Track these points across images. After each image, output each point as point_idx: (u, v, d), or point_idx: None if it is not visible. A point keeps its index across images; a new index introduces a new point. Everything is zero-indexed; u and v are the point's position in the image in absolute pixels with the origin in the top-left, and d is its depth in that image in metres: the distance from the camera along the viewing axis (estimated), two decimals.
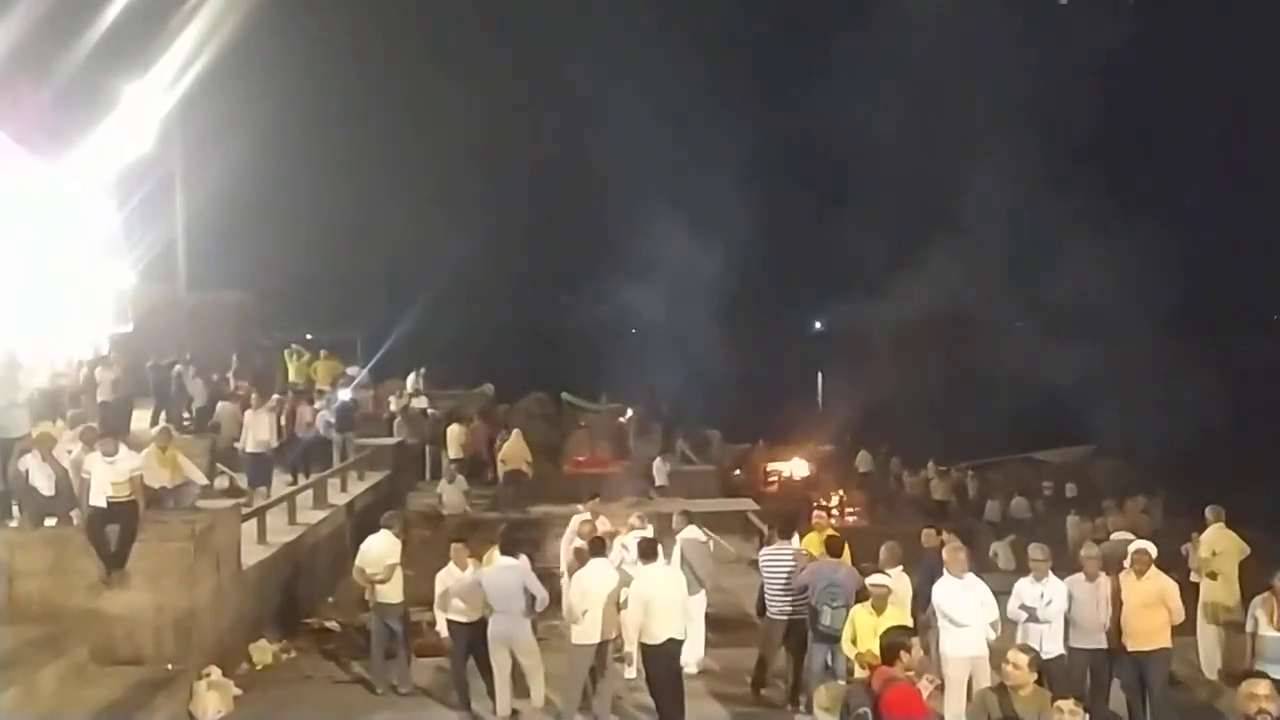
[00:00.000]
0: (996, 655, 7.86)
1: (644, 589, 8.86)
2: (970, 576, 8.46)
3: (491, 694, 9.36)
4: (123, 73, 24.80)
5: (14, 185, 22.11)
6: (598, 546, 9.52)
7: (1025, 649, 6.50)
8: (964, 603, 8.27)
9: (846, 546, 9.89)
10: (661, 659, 8.90)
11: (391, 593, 10.13)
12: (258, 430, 15.04)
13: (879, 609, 8.02)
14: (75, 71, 23.44)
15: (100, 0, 22.67)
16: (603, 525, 10.95)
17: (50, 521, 9.79)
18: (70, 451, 10.16)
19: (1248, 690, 5.07)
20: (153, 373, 19.14)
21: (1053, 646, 8.32)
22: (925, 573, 9.51)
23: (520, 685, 9.32)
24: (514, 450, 20.02)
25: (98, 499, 9.40)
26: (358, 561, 10.34)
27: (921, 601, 8.98)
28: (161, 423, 15.89)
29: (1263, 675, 5.34)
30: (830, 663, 8.91)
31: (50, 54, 23.49)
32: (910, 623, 7.96)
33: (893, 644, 5.55)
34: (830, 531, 10.81)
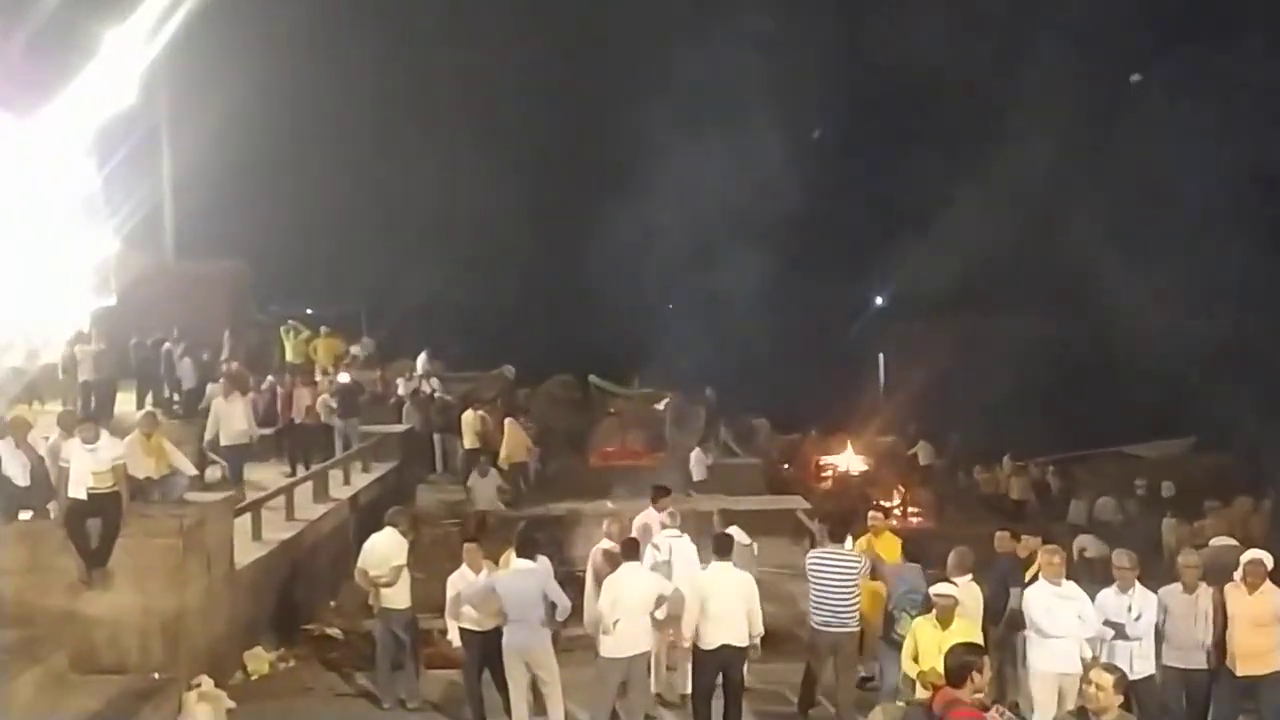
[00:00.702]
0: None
1: (704, 586, 9.00)
2: (1070, 585, 8.45)
3: (507, 710, 9.42)
4: (102, 17, 25.11)
5: None
6: (630, 549, 9.54)
7: (1110, 668, 6.42)
8: (1059, 613, 8.27)
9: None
10: (711, 667, 8.99)
11: (398, 597, 10.24)
12: (232, 419, 14.89)
13: (945, 622, 7.98)
14: (49, 16, 23.74)
15: None
16: (652, 518, 10.94)
17: (25, 515, 9.98)
18: (47, 438, 10.36)
19: None
20: (137, 351, 19.41)
21: (1143, 666, 8.26)
22: (998, 581, 9.47)
23: (538, 702, 9.38)
24: (514, 439, 20.17)
25: (77, 490, 9.54)
26: (360, 563, 10.45)
27: (993, 614, 8.93)
28: (147, 406, 16.10)
29: None
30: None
31: None
32: (980, 639, 7.94)
33: (961, 664, 5.52)
34: (887, 534, 10.89)
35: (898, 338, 44.65)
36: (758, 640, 9.19)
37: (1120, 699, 6.25)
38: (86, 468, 9.55)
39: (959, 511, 22.73)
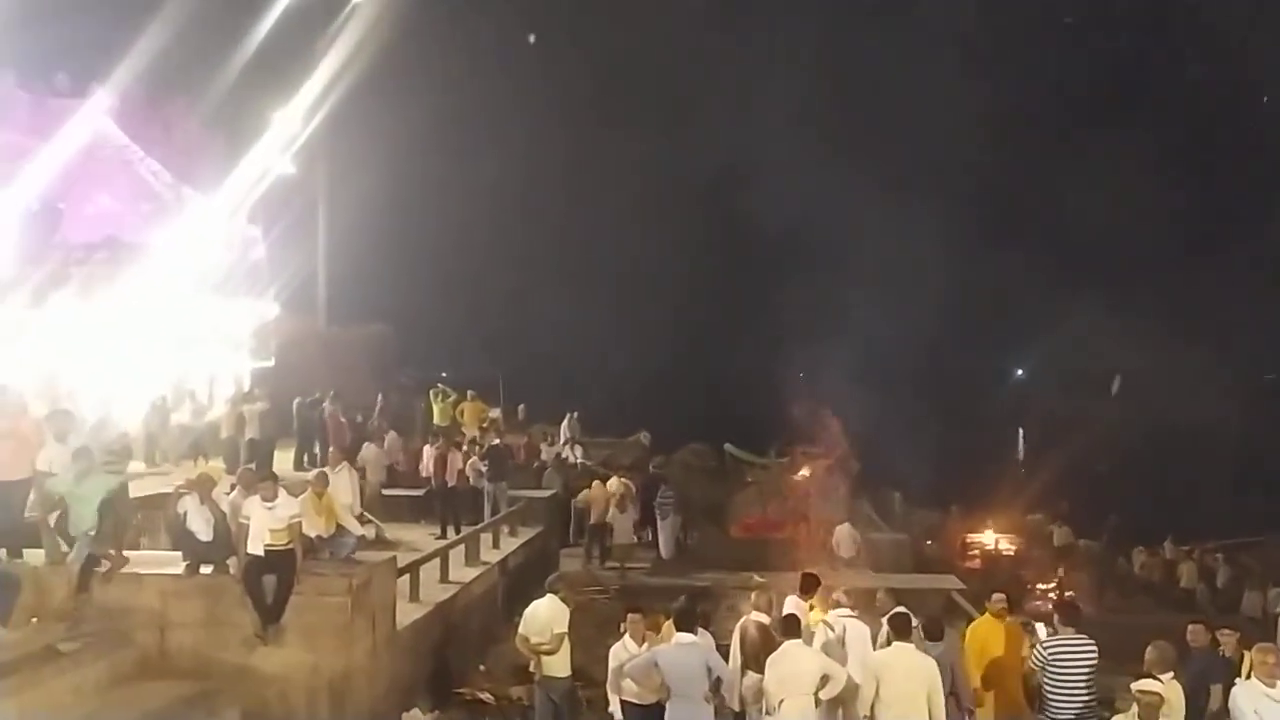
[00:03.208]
0: None
1: (879, 667, 8.75)
2: None
3: None
4: (270, 98, 26.65)
5: (163, 211, 23.96)
6: (792, 626, 9.27)
7: None
8: (1269, 714, 7.73)
9: None
10: None
11: (559, 665, 10.15)
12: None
13: None
14: (224, 97, 25.32)
15: (250, 25, 24.50)
16: (800, 606, 10.59)
17: (206, 569, 10.30)
18: (227, 493, 10.72)
19: None
20: (300, 411, 20.03)
21: None
22: (1196, 679, 8.86)
23: None
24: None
25: (255, 547, 9.84)
26: (521, 629, 10.40)
27: (1193, 715, 8.35)
28: (306, 464, 16.54)
29: None
30: None
31: (200, 78, 25.48)
32: None
33: None
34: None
35: (1040, 411, 43.22)
36: None
37: None
38: (265, 525, 9.83)
39: (1121, 598, 21.57)
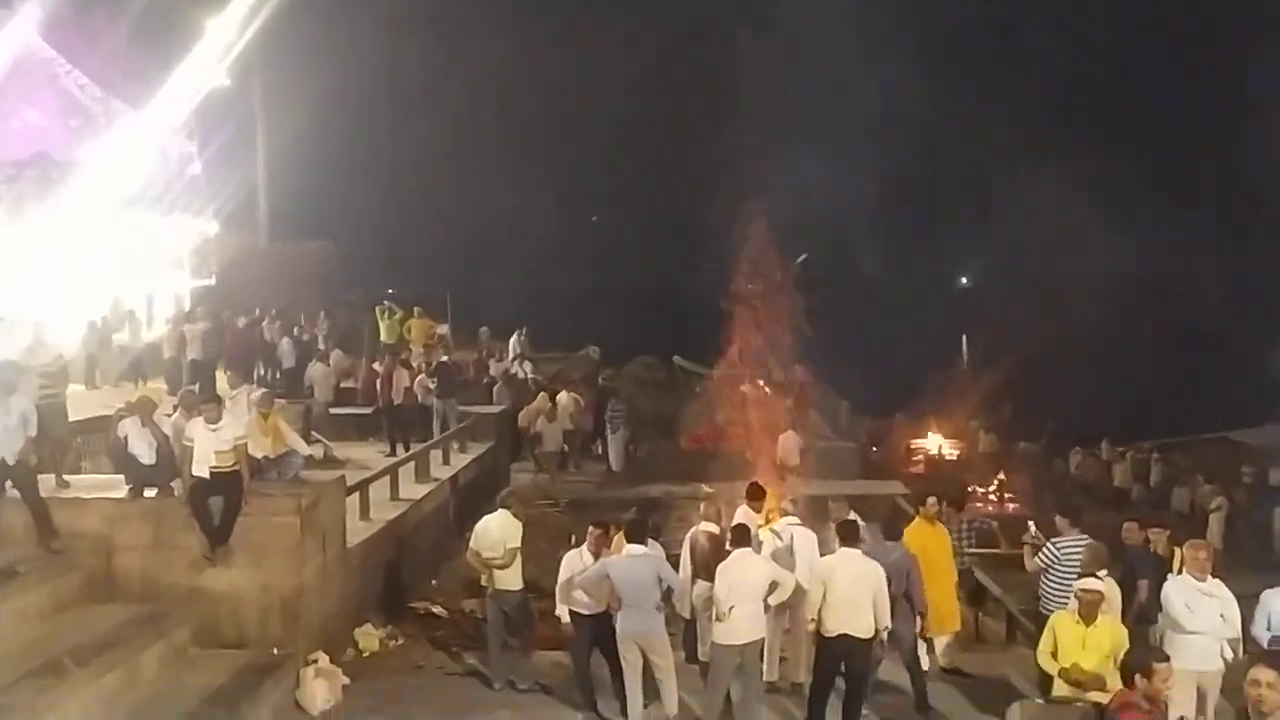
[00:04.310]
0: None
1: (826, 572, 8.89)
2: (1215, 582, 8.13)
3: (619, 694, 9.33)
4: (203, 6, 25.59)
5: (93, 126, 23.08)
6: (742, 535, 9.35)
7: (1272, 665, 6.11)
8: (1199, 608, 7.97)
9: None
10: (832, 656, 8.84)
11: (511, 579, 10.18)
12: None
13: (1089, 618, 7.66)
14: (154, 5, 24.27)
15: None
16: (749, 516, 10.67)
17: (150, 492, 10.13)
18: (169, 415, 10.50)
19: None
20: (244, 331, 19.71)
21: None
22: (1130, 576, 9.12)
23: (651, 688, 9.25)
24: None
25: (200, 469, 9.66)
26: (473, 544, 10.38)
27: (1132, 611, 8.61)
28: (254, 385, 16.28)
29: None
30: None
31: None
32: (1125, 635, 7.64)
33: (1133, 665, 5.28)
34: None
35: (983, 318, 43.66)
36: (885, 634, 8.94)
37: None
38: (209, 447, 9.65)
39: (1058, 499, 22.13)
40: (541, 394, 20.74)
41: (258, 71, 28.96)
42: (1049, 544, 9.59)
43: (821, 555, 9.64)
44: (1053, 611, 8.53)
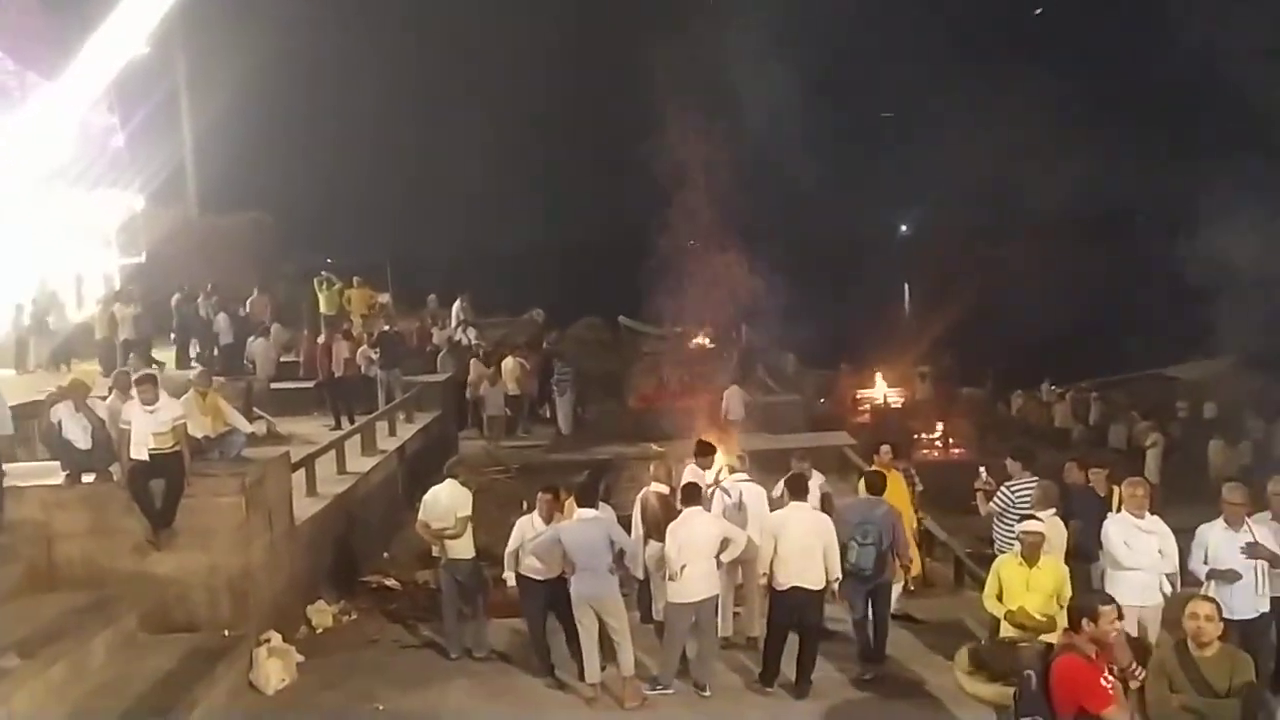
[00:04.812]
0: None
1: (777, 526, 8.95)
2: (1153, 519, 8.32)
3: (575, 657, 9.39)
4: None
5: (7, 100, 22.31)
6: (691, 494, 9.41)
7: (1208, 598, 6.32)
8: (1138, 545, 8.16)
9: None
10: (785, 609, 8.94)
11: (463, 548, 10.14)
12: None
13: (1031, 560, 7.82)
14: None
15: None
16: (698, 474, 10.70)
17: (88, 478, 9.93)
18: (104, 398, 10.28)
19: None
20: (180, 308, 19.34)
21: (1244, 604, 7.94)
22: (1069, 515, 9.31)
23: (607, 649, 9.31)
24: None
25: (139, 452, 9.47)
26: (422, 515, 10.32)
27: (1080, 551, 8.81)
28: (193, 364, 16.03)
29: None
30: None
31: None
32: (1066, 575, 7.82)
33: (1078, 608, 5.41)
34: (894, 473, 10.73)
35: (924, 265, 44.16)
36: (835, 585, 9.07)
37: (1220, 629, 6.18)
38: (147, 429, 9.46)
39: (1001, 442, 22.59)
40: (474, 360, 20.75)
41: (180, 38, 28.14)
42: (1002, 488, 9.77)
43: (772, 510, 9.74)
44: (998, 551, 8.69)
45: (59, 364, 18.54)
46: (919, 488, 12.15)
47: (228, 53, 30.65)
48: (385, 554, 13.89)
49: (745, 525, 9.66)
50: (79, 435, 9.83)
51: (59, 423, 9.87)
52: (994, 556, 9.09)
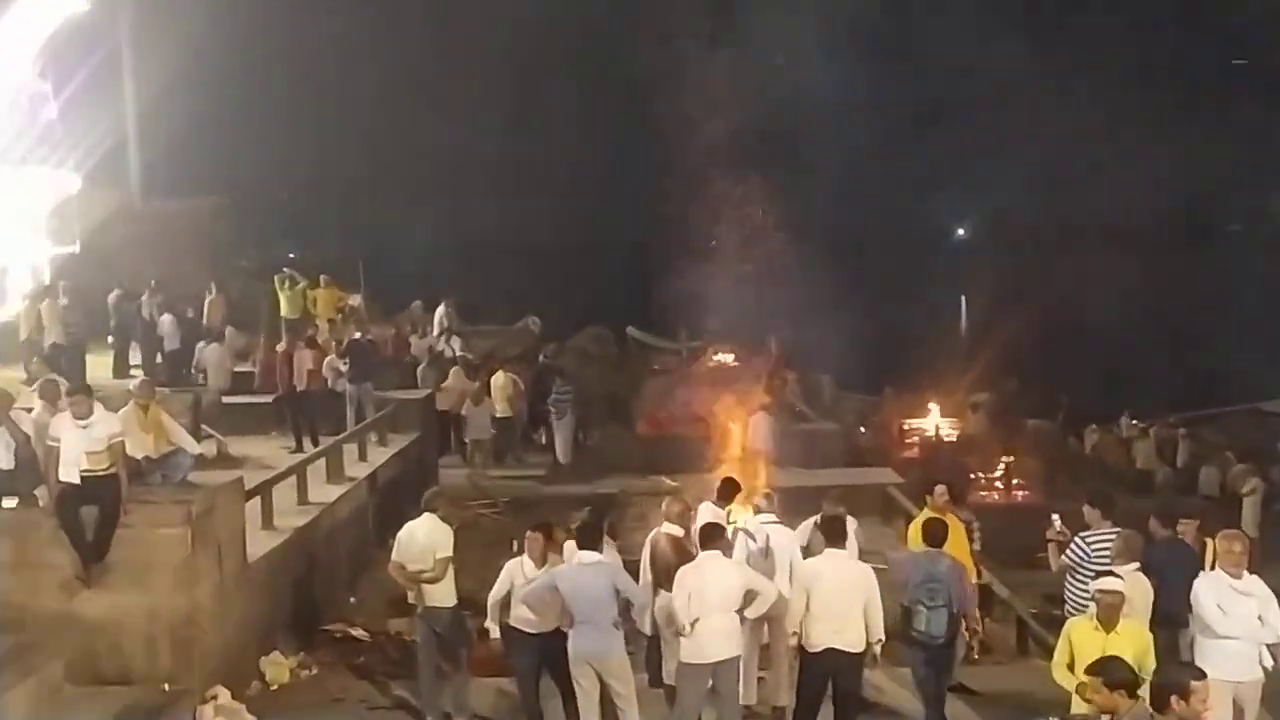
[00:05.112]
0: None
1: (809, 577, 8.93)
2: (1251, 579, 8.30)
3: None
4: None
5: None
6: (713, 534, 9.38)
7: None
8: (1234, 610, 8.13)
9: None
10: (817, 673, 8.92)
11: (443, 594, 10.16)
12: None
13: (1108, 623, 7.79)
14: None
15: None
16: (718, 514, 10.70)
17: (10, 502, 10.01)
18: (29, 410, 10.34)
19: None
20: (119, 306, 19.45)
21: None
22: (1156, 573, 9.28)
23: (610, 716, 9.30)
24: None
25: (69, 473, 9.53)
26: (395, 555, 10.35)
27: (1160, 614, 8.77)
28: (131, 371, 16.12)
29: None
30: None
31: None
32: (1150, 642, 7.78)
33: (1165, 684, 5.40)
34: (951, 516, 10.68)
35: (983, 275, 44.13)
36: (878, 647, 9.03)
37: None
38: (79, 447, 9.52)
39: (1073, 484, 22.54)
40: (454, 370, 20.80)
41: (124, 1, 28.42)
42: (1077, 539, 9.72)
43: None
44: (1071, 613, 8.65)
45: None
46: (977, 545, 12.05)
47: (179, 10, 30.85)
48: (352, 599, 13.95)
49: (773, 575, 9.63)
50: (0, 453, 9.89)
51: None
52: (1063, 618, 9.05)
